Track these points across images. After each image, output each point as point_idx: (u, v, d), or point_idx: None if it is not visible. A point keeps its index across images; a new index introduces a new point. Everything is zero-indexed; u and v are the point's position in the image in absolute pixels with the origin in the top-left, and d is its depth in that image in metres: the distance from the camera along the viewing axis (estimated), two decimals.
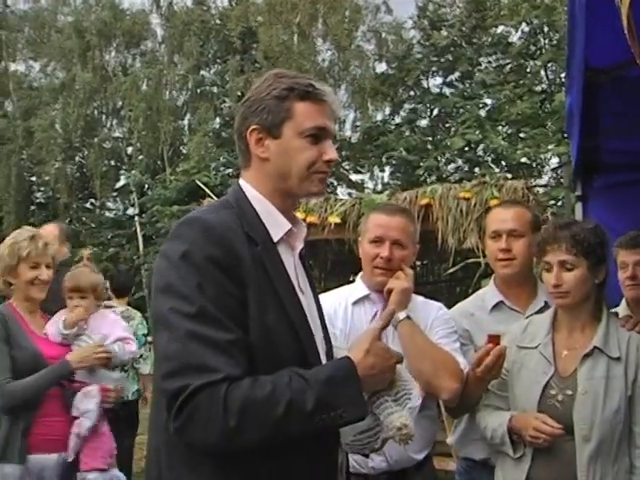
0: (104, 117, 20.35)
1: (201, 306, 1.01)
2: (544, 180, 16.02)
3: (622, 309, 2.20)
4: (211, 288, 1.02)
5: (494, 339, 1.64)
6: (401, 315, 1.73)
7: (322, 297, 1.89)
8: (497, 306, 2.01)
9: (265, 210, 1.18)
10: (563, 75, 13.26)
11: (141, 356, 4.05)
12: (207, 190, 8.84)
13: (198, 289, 1.01)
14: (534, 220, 2.02)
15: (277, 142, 1.17)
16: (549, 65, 16.46)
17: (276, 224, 1.19)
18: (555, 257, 1.68)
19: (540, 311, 1.94)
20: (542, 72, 16.75)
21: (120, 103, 19.31)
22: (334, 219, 6.22)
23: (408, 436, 1.19)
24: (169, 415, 1.00)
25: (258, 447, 1.00)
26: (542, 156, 15.86)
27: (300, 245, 1.26)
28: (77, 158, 20.41)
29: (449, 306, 2.12)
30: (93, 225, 19.91)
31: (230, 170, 18.15)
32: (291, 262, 1.22)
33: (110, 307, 4.08)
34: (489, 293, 2.07)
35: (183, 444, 1.03)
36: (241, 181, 1.23)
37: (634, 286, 2.18)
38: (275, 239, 1.17)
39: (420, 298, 1.92)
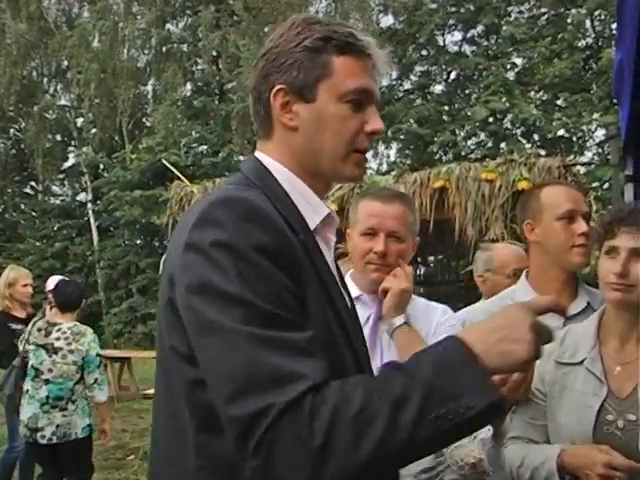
0: (45, 80, 20.21)
1: (257, 305, 0.96)
2: (586, 157, 16.09)
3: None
4: (266, 283, 0.98)
5: None
6: (398, 321, 1.74)
7: None
8: None
9: (296, 190, 1.15)
10: (614, 26, 13.20)
11: (95, 381, 3.99)
12: (176, 171, 8.81)
13: (249, 285, 0.96)
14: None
15: (309, 107, 1.14)
16: (596, 14, 16.41)
17: (311, 208, 1.16)
18: (628, 242, 1.65)
19: (582, 313, 1.93)
20: (587, 23, 16.71)
21: (66, 63, 19.17)
22: (329, 206, 6.19)
23: (484, 475, 1.16)
24: (243, 451, 0.92)
25: (359, 475, 0.90)
26: (584, 128, 15.93)
27: (334, 238, 1.23)
28: (12, 131, 20.29)
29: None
30: (34, 214, 19.84)
31: (204, 147, 18.13)
32: (329, 257, 1.19)
33: (54, 324, 4.07)
34: (520, 290, 2.07)
35: None
36: (259, 154, 1.20)
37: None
38: (312, 226, 1.15)
39: (422, 300, 1.94)
